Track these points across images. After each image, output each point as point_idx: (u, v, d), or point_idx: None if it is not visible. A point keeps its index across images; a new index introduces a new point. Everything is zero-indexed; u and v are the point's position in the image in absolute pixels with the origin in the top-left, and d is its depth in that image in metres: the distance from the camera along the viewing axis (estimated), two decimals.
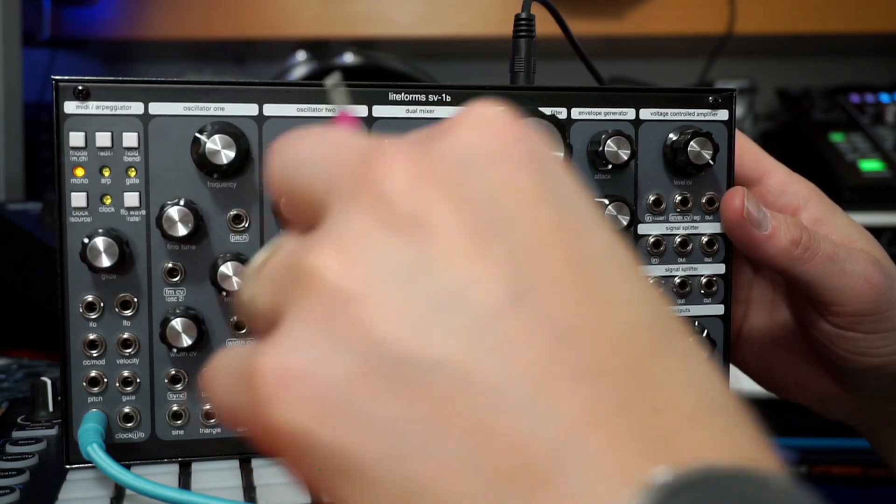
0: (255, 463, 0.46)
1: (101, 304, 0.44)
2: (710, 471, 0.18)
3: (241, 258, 0.44)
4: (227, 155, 0.43)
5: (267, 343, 0.22)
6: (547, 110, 0.46)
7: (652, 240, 0.50)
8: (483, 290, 0.20)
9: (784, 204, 0.50)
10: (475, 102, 0.24)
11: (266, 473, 0.44)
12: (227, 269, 0.43)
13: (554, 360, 0.20)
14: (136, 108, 0.43)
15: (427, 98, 0.46)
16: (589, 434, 0.19)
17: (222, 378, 0.23)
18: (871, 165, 1.12)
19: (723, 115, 0.50)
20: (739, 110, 1.28)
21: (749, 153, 0.51)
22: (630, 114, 0.49)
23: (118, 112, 0.43)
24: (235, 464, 0.45)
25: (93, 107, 0.43)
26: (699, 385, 0.21)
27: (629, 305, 0.21)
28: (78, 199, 0.43)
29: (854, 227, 0.51)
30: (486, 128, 0.23)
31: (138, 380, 0.44)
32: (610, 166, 0.47)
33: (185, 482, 0.44)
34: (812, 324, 0.49)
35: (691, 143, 0.48)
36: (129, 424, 0.44)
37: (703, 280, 0.50)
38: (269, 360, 0.21)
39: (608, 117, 0.49)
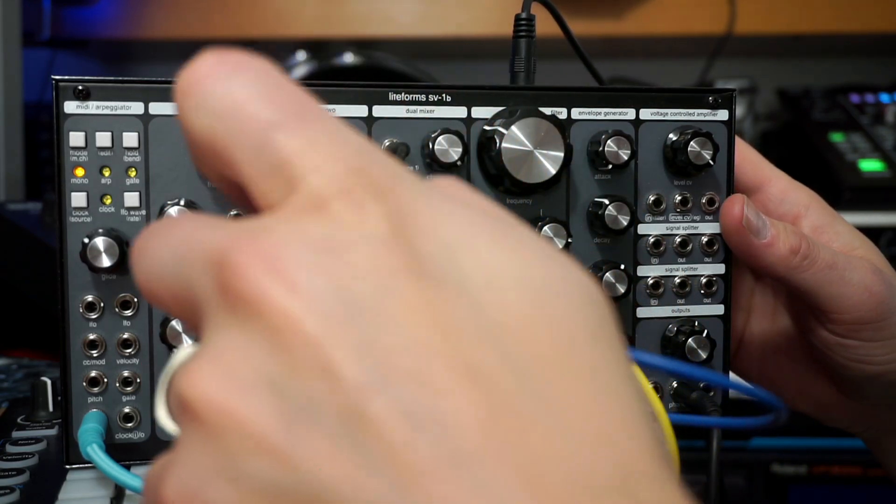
0: None
1: (102, 305, 0.44)
2: None
3: None
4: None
5: (168, 459, 0.22)
6: (547, 110, 0.46)
7: (652, 240, 0.50)
8: (336, 391, 0.19)
9: (785, 212, 0.50)
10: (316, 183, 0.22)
11: None
12: None
13: (414, 464, 0.19)
14: (137, 107, 0.43)
15: (427, 98, 0.46)
16: None
17: (146, 487, 0.23)
18: (871, 165, 1.12)
19: (723, 115, 0.50)
20: (739, 110, 1.28)
21: (749, 160, 0.51)
22: (630, 114, 0.49)
23: (118, 112, 0.43)
24: None
25: (93, 107, 0.43)
26: (579, 463, 0.19)
27: (498, 384, 0.20)
28: (78, 199, 0.43)
29: (855, 234, 0.50)
30: (347, 211, 0.21)
31: (138, 380, 0.44)
32: (610, 166, 0.47)
33: None
34: (812, 331, 0.49)
35: (691, 143, 0.48)
36: (130, 424, 0.44)
37: (703, 280, 0.50)
38: (166, 480, 0.21)
39: (608, 117, 0.49)
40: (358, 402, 0.19)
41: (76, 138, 0.43)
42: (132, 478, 0.39)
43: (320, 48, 1.32)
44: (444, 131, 0.45)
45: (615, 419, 0.20)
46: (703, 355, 0.49)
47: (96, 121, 0.43)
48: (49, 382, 0.52)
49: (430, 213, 0.22)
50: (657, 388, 0.50)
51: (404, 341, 0.20)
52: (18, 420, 0.52)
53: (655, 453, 0.20)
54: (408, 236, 0.21)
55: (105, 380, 0.44)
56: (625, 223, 0.48)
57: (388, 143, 0.45)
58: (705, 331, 0.50)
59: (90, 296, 0.43)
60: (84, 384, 0.44)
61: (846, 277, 0.47)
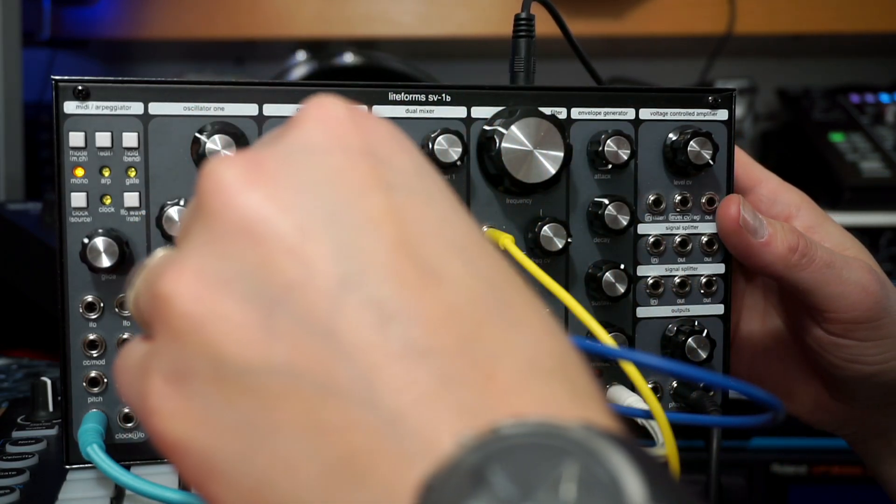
0: None
1: (101, 305, 0.44)
2: (507, 428, 0.20)
3: None
4: (227, 155, 0.42)
5: (147, 354, 0.24)
6: (547, 110, 0.46)
7: (652, 239, 0.50)
8: (309, 287, 0.22)
9: (776, 213, 0.50)
10: (314, 98, 0.26)
11: None
12: None
13: (379, 345, 0.21)
14: (136, 108, 0.43)
15: (427, 98, 0.46)
16: (408, 416, 0.21)
17: (125, 378, 0.26)
18: (871, 165, 1.12)
19: (722, 115, 0.50)
20: (739, 110, 1.28)
21: (739, 162, 0.51)
22: (630, 114, 0.49)
23: (118, 112, 0.43)
24: None
25: (93, 107, 0.43)
26: (527, 352, 0.22)
27: (457, 284, 0.22)
28: (78, 199, 0.43)
29: (846, 235, 0.51)
30: (319, 122, 0.25)
31: None
32: (610, 166, 0.47)
33: (184, 482, 0.44)
34: (806, 331, 0.49)
35: (691, 142, 0.48)
36: (129, 425, 0.44)
37: (703, 280, 0.50)
38: (149, 376, 0.24)
39: (608, 117, 0.49)
40: (334, 296, 0.22)
41: (76, 138, 0.43)
42: (132, 478, 0.39)
43: (320, 48, 1.32)
44: (444, 131, 0.45)
45: (550, 320, 0.23)
46: (703, 355, 0.49)
47: (96, 121, 0.43)
48: (49, 382, 0.52)
49: (396, 139, 0.25)
50: (657, 389, 0.50)
51: (374, 241, 0.22)
52: (18, 420, 0.52)
53: (575, 349, 0.24)
54: (373, 148, 0.24)
55: (105, 380, 0.44)
56: (624, 223, 0.48)
57: None
58: (705, 330, 0.50)
59: (90, 296, 0.43)
60: (84, 384, 0.44)
61: (843, 276, 0.47)
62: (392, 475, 0.20)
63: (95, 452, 0.40)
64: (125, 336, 0.44)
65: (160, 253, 0.26)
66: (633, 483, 0.19)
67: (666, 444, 0.36)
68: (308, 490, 0.21)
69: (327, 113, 0.25)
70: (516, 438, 0.20)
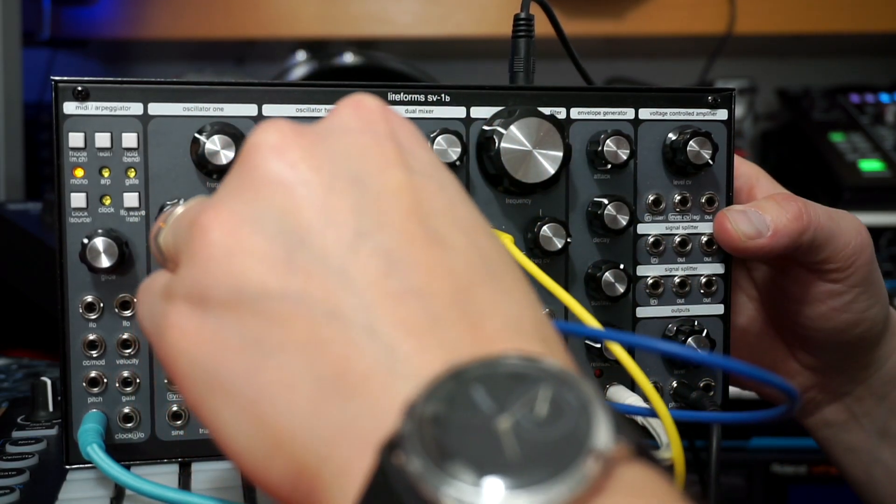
0: None
1: (101, 305, 0.44)
2: (488, 359, 0.23)
3: None
4: (226, 155, 0.43)
5: (171, 280, 0.28)
6: (546, 110, 0.46)
7: (651, 239, 0.50)
8: (329, 233, 0.25)
9: (740, 185, 0.52)
10: (352, 94, 0.30)
11: None
12: None
13: (383, 284, 0.24)
14: (136, 108, 0.43)
15: (427, 98, 0.46)
16: (402, 343, 0.24)
17: (147, 298, 0.29)
18: (871, 165, 1.12)
19: (722, 114, 0.50)
20: (739, 110, 1.28)
21: None
22: (629, 114, 0.49)
23: (118, 112, 0.43)
24: None
25: (92, 107, 0.43)
26: (512, 314, 0.25)
27: (459, 251, 0.26)
28: (77, 199, 0.43)
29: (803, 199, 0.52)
30: (353, 110, 0.29)
31: (138, 380, 0.44)
32: (609, 166, 0.47)
33: (184, 482, 0.44)
34: (795, 291, 0.51)
35: (690, 142, 0.48)
36: (129, 425, 0.44)
37: (703, 280, 0.50)
38: (172, 297, 0.27)
39: (607, 117, 0.49)
40: (349, 242, 0.25)
41: (76, 139, 0.43)
42: (133, 478, 0.39)
43: (320, 48, 1.31)
44: (443, 131, 0.45)
45: (534, 296, 0.27)
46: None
47: (96, 121, 0.43)
48: (49, 382, 0.52)
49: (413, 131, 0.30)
50: (658, 388, 0.50)
51: (391, 205, 0.26)
52: (18, 420, 0.52)
53: (552, 324, 0.27)
54: (398, 137, 0.28)
55: (105, 380, 0.44)
56: (624, 223, 0.48)
57: None
58: (705, 330, 0.50)
59: (90, 296, 0.43)
60: (84, 384, 0.44)
61: (842, 225, 0.49)
62: (381, 392, 0.23)
63: (95, 452, 0.40)
64: (125, 336, 0.44)
65: (191, 200, 0.30)
66: (600, 411, 0.22)
67: (671, 441, 0.36)
68: (302, 403, 0.24)
69: (361, 104, 0.29)
70: (496, 366, 0.22)
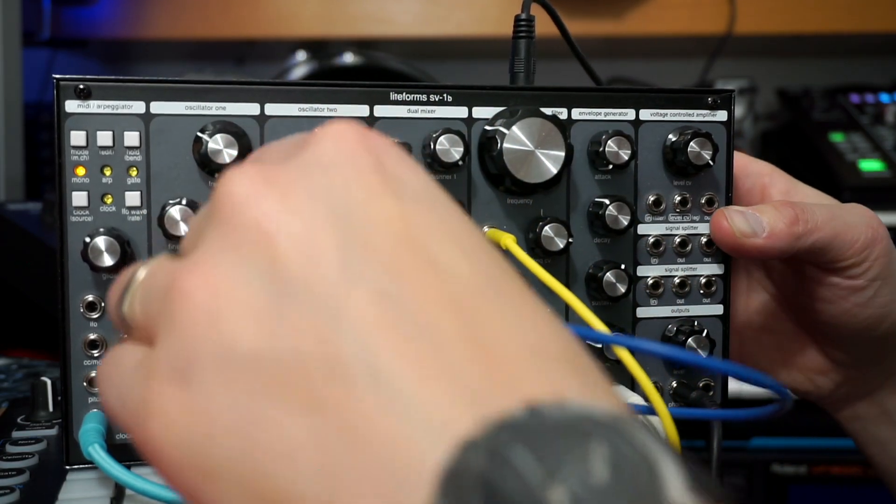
0: None
1: (102, 304, 0.44)
2: (523, 411, 0.20)
3: None
4: (229, 154, 0.43)
5: (147, 356, 0.25)
6: (547, 110, 0.46)
7: (651, 240, 0.50)
8: (316, 276, 0.23)
9: (750, 185, 0.52)
10: (330, 122, 0.27)
11: None
12: None
13: (382, 326, 0.22)
14: (138, 107, 0.43)
15: (428, 98, 0.46)
16: (414, 391, 0.21)
17: (117, 383, 0.26)
18: (871, 165, 1.12)
19: (722, 115, 0.50)
20: (739, 110, 1.28)
21: None
22: (630, 114, 0.49)
23: (119, 111, 0.43)
24: None
25: (94, 106, 0.43)
26: (532, 340, 0.22)
27: (461, 277, 0.23)
28: (79, 198, 0.43)
29: (819, 192, 0.52)
30: (332, 142, 0.26)
31: None
32: (610, 166, 0.47)
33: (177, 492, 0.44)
34: (815, 289, 0.50)
35: (691, 143, 0.48)
36: None
37: (703, 280, 0.51)
38: (152, 378, 0.24)
39: (608, 118, 0.49)
40: (338, 283, 0.23)
41: (77, 137, 0.43)
42: (134, 477, 0.39)
43: (320, 48, 1.31)
44: (446, 131, 0.45)
45: (549, 312, 0.24)
46: (703, 355, 0.49)
47: (97, 120, 0.43)
48: (49, 382, 0.52)
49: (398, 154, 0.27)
50: (658, 388, 0.50)
51: (382, 239, 0.23)
52: (18, 420, 0.52)
53: (576, 338, 0.24)
54: (383, 164, 0.26)
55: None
56: (625, 223, 0.48)
57: None
58: (705, 330, 0.50)
59: (91, 295, 0.43)
60: (84, 384, 0.44)
61: (849, 221, 0.48)
62: (398, 451, 0.20)
63: (97, 452, 0.40)
64: (125, 336, 0.44)
65: (154, 261, 0.27)
66: (668, 466, 0.18)
67: (669, 439, 0.36)
68: (307, 478, 0.21)
69: (340, 133, 0.26)
70: (535, 419, 0.19)
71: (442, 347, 0.21)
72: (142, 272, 0.27)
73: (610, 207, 0.47)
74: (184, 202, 0.43)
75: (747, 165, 0.52)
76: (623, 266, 0.48)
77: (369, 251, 0.23)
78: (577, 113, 0.48)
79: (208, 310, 0.23)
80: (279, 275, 0.23)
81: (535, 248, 0.47)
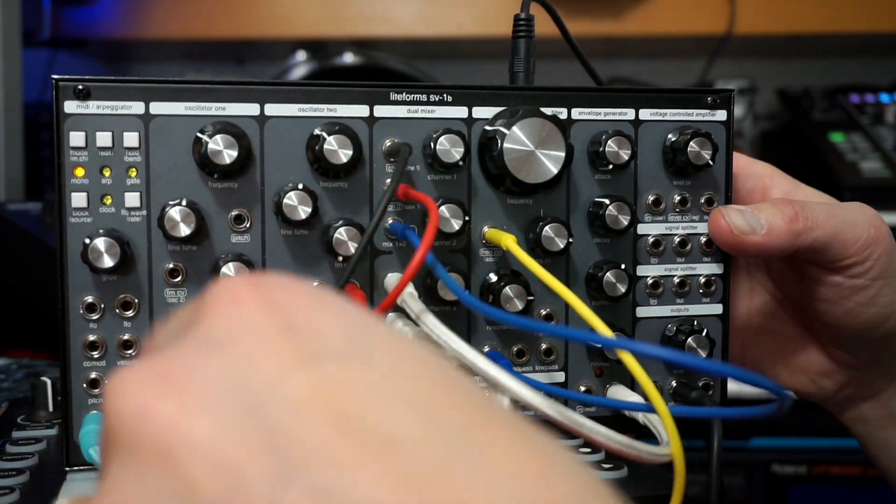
0: None
1: (102, 305, 0.44)
2: None
3: (243, 258, 0.44)
4: (229, 154, 0.42)
5: None
6: (547, 110, 0.46)
7: (651, 240, 0.50)
8: (242, 496, 0.19)
9: (751, 186, 0.52)
10: (215, 283, 0.23)
11: None
12: (228, 269, 0.43)
13: None
14: (137, 107, 0.43)
15: (428, 98, 0.46)
16: None
17: None
18: (871, 165, 1.12)
19: (721, 115, 0.50)
20: (739, 110, 1.28)
21: None
22: (630, 114, 0.49)
23: (119, 112, 0.43)
24: None
25: (93, 106, 0.43)
26: (514, 499, 0.18)
27: (414, 446, 0.19)
28: (78, 199, 0.43)
29: (819, 192, 0.52)
30: (223, 309, 0.22)
31: None
32: (610, 166, 0.47)
33: None
34: (817, 289, 0.50)
35: (691, 143, 0.48)
36: None
37: (702, 280, 0.51)
38: None
39: (608, 117, 0.49)
40: (270, 497, 0.19)
41: (76, 138, 0.43)
42: None
43: (320, 48, 1.32)
44: (446, 131, 0.45)
45: (542, 441, 0.20)
46: (703, 354, 0.49)
47: (97, 120, 0.43)
48: (49, 382, 0.52)
49: (305, 303, 0.22)
50: (658, 388, 0.50)
51: (306, 425, 0.19)
52: (18, 420, 0.52)
53: (591, 486, 0.19)
54: (290, 322, 0.21)
55: (106, 381, 0.44)
56: (625, 223, 0.48)
57: (389, 144, 0.45)
58: (704, 330, 0.50)
59: (90, 296, 0.43)
60: (84, 385, 0.44)
61: (849, 219, 0.48)
62: None
63: (98, 454, 0.40)
64: (126, 337, 0.44)
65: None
66: None
67: (670, 438, 0.36)
68: None
69: (231, 296, 0.22)
70: None
71: None
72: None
73: (610, 207, 0.47)
74: (184, 203, 0.43)
75: (748, 167, 0.52)
76: (623, 266, 0.48)
77: (294, 443, 0.19)
78: (577, 113, 0.48)
79: None
80: (197, 498, 0.19)
81: (536, 248, 0.47)
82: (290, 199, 0.43)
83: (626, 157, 0.47)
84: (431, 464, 0.19)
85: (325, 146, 0.43)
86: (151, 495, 0.20)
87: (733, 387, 0.53)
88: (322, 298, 0.23)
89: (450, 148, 0.45)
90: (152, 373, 0.21)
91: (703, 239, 0.50)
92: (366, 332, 0.22)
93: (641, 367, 0.37)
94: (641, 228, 0.50)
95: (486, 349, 0.48)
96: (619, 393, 0.48)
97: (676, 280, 0.50)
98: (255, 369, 0.21)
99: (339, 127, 0.44)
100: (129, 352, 0.44)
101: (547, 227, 0.46)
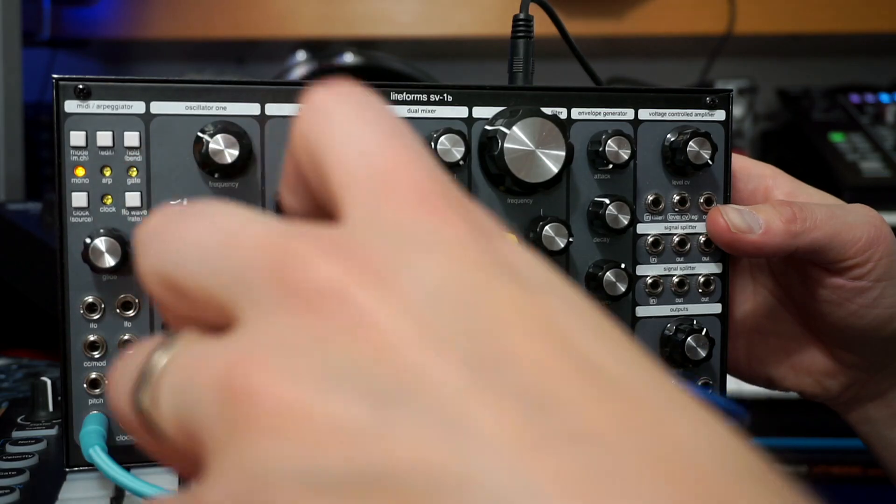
0: None
1: (102, 306, 0.44)
2: None
3: None
4: (230, 154, 0.42)
5: (199, 488, 0.19)
6: (547, 110, 0.46)
7: (651, 239, 0.50)
8: (434, 376, 0.18)
9: (754, 187, 0.52)
10: None
11: None
12: None
13: (525, 433, 0.17)
14: (138, 107, 0.43)
15: (428, 98, 0.46)
16: None
17: None
18: (871, 165, 1.12)
19: (720, 115, 0.50)
20: (740, 110, 1.28)
21: None
22: (629, 114, 0.49)
23: (119, 111, 0.43)
24: None
25: (94, 106, 0.43)
26: (718, 451, 0.17)
27: (619, 380, 0.18)
28: (79, 198, 0.43)
29: (823, 193, 0.52)
30: (435, 217, 0.20)
31: None
32: (610, 166, 0.47)
33: (184, 484, 0.44)
34: (819, 291, 0.50)
35: (690, 143, 0.48)
36: None
37: (701, 279, 0.51)
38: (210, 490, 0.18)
39: (607, 117, 0.49)
40: (464, 387, 0.17)
41: (77, 138, 0.43)
42: (134, 480, 0.39)
43: (320, 48, 1.32)
44: (446, 131, 0.45)
45: (720, 421, 0.19)
46: (703, 353, 0.49)
47: (97, 120, 0.43)
48: (49, 382, 0.52)
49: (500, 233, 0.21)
50: None
51: (515, 329, 0.18)
52: (18, 420, 0.52)
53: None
54: (494, 244, 0.20)
55: (106, 381, 0.44)
56: (625, 222, 0.48)
57: None
58: (704, 329, 0.50)
59: (91, 296, 0.43)
60: (85, 386, 0.44)
61: (849, 221, 0.48)
62: None
63: (98, 455, 0.40)
64: (127, 337, 0.44)
65: (179, 342, 0.21)
66: None
67: None
68: None
69: (444, 213, 0.21)
70: None
71: (608, 455, 0.16)
72: (161, 357, 0.21)
73: (610, 207, 0.47)
74: (184, 203, 0.43)
75: (750, 168, 0.52)
76: (623, 265, 0.48)
77: (502, 343, 0.18)
78: (576, 113, 0.48)
79: (287, 417, 0.18)
80: (382, 371, 0.18)
81: (536, 247, 0.47)
82: None
83: (626, 157, 0.47)
84: (642, 405, 0.18)
85: None
86: (327, 353, 0.18)
87: (732, 385, 0.53)
88: (521, 245, 0.22)
89: (450, 147, 0.45)
90: (336, 239, 0.20)
91: (703, 238, 0.50)
92: (559, 280, 0.21)
93: None
94: (641, 228, 0.50)
95: None
96: None
97: (676, 279, 0.50)
98: (462, 272, 0.19)
99: None
100: (130, 352, 0.44)
101: (547, 227, 0.46)
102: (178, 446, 0.20)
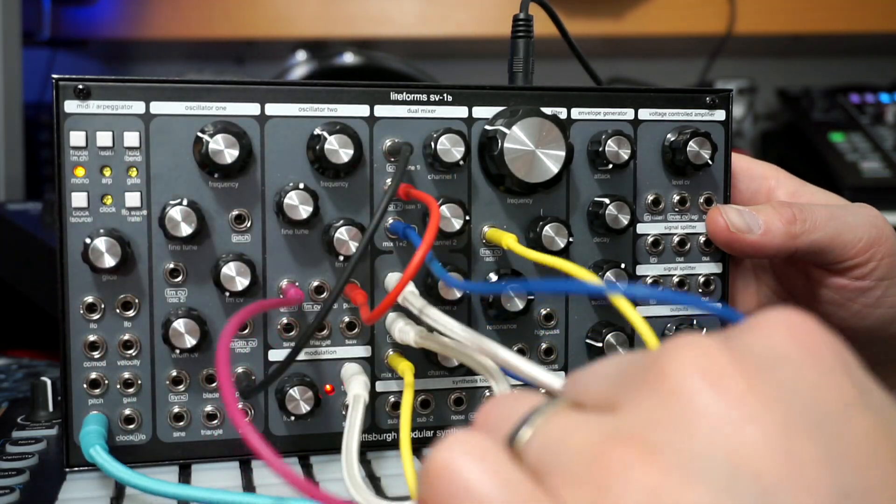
0: (254, 463, 0.46)
1: (102, 306, 0.44)
2: None
3: (244, 258, 0.44)
4: (230, 154, 0.42)
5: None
6: (547, 110, 0.46)
7: (651, 239, 0.50)
8: (801, 491, 0.19)
9: (756, 187, 0.52)
10: (774, 309, 0.24)
11: (266, 473, 0.44)
12: (229, 269, 0.43)
13: None
14: (138, 107, 0.43)
15: (428, 98, 0.46)
16: None
17: None
18: (871, 165, 1.12)
19: (720, 115, 0.50)
20: (739, 110, 1.28)
21: None
22: (629, 114, 0.49)
23: (119, 111, 0.43)
24: (235, 464, 0.45)
25: (94, 106, 0.43)
26: None
27: None
28: (78, 199, 0.43)
29: (827, 192, 0.52)
30: (787, 334, 0.22)
31: (139, 381, 0.44)
32: (610, 166, 0.47)
33: (185, 483, 0.43)
34: (822, 291, 0.50)
35: (690, 142, 0.48)
36: (131, 426, 0.44)
37: (701, 279, 0.51)
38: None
39: (607, 117, 0.49)
40: None
41: (76, 138, 0.43)
42: (138, 476, 0.39)
43: (320, 48, 1.31)
44: (447, 131, 0.45)
45: None
46: None
47: (97, 120, 0.43)
48: (49, 382, 0.52)
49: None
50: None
51: (875, 458, 0.20)
52: (18, 420, 0.52)
53: None
54: (849, 370, 0.22)
55: (106, 381, 0.44)
56: (625, 222, 0.48)
57: (389, 143, 0.46)
58: (704, 329, 0.50)
59: (91, 297, 0.43)
60: (85, 386, 0.44)
61: (849, 221, 0.48)
62: None
63: (99, 454, 0.40)
64: (126, 337, 0.44)
65: (550, 409, 0.23)
66: None
67: None
68: None
69: (797, 327, 0.23)
70: None
71: None
72: (543, 417, 0.23)
73: (610, 207, 0.47)
74: (184, 203, 0.43)
75: (752, 168, 0.52)
76: (623, 265, 0.48)
77: (861, 470, 0.19)
78: (576, 113, 0.48)
79: (649, 499, 0.19)
80: (747, 473, 0.19)
81: (536, 247, 0.47)
82: (291, 198, 0.43)
83: (626, 157, 0.47)
84: None
85: (326, 146, 0.43)
86: (694, 447, 0.20)
87: None
88: (861, 366, 0.23)
89: (450, 147, 0.45)
90: (720, 354, 0.21)
91: (703, 239, 0.50)
92: (891, 400, 0.22)
93: (635, 310, 0.36)
94: (641, 228, 0.50)
95: None
96: None
97: (676, 279, 0.50)
98: (819, 394, 0.21)
99: (339, 126, 0.44)
100: (130, 352, 0.44)
101: (547, 227, 0.46)
102: (527, 481, 0.21)
